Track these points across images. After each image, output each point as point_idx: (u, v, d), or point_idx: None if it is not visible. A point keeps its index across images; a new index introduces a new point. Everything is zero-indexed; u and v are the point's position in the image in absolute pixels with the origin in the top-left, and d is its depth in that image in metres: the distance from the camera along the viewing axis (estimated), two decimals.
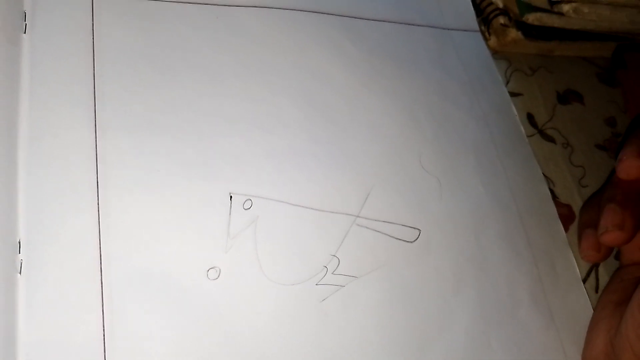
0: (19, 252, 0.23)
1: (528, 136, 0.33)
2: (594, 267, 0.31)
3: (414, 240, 0.28)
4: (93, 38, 0.27)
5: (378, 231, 0.27)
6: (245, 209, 0.26)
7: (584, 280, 0.30)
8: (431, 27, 0.35)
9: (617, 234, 0.27)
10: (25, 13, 0.26)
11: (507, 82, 0.35)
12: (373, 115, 0.30)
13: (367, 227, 0.27)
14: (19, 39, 0.26)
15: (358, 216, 0.27)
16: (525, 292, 0.28)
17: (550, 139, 0.34)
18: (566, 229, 0.31)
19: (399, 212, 0.28)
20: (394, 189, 0.28)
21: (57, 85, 0.25)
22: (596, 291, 0.30)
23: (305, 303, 0.25)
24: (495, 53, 0.36)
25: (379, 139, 0.29)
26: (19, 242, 0.23)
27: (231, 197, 0.26)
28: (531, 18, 0.34)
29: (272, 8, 0.31)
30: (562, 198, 0.32)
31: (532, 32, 0.36)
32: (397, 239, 0.27)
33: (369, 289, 0.26)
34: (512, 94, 0.34)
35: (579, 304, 0.29)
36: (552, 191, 0.32)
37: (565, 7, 0.32)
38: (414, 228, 0.28)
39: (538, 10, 0.34)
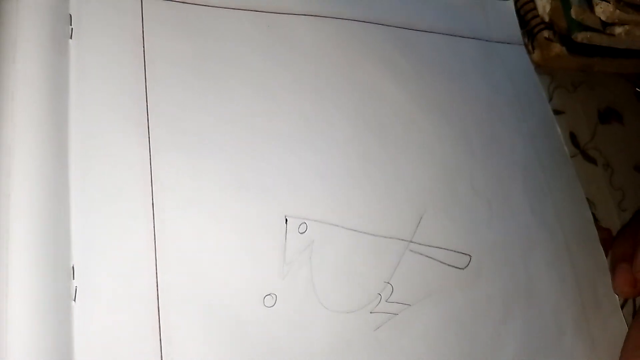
0: (73, 278, 0.22)
1: (571, 156, 0.33)
2: None
3: (465, 267, 0.27)
4: (144, 45, 0.25)
5: (430, 257, 0.27)
6: (301, 233, 0.25)
7: (622, 306, 0.30)
8: (478, 39, 0.34)
9: None
10: (70, 16, 0.25)
11: (550, 99, 0.35)
12: (425, 134, 0.29)
13: (420, 253, 0.27)
14: (65, 45, 0.24)
15: (411, 241, 0.27)
16: (570, 319, 0.29)
17: (592, 160, 0.34)
18: (606, 254, 0.31)
19: (450, 237, 0.27)
20: (446, 213, 0.28)
21: (107, 98, 0.24)
22: (633, 317, 0.31)
23: (360, 331, 0.25)
24: (538, 67, 0.35)
25: (431, 159, 0.29)
26: (73, 268, 0.22)
27: (287, 220, 0.25)
28: (580, 37, 0.33)
29: (324, 17, 0.30)
30: (603, 222, 0.32)
31: (576, 48, 0.35)
32: (448, 265, 0.27)
33: (422, 317, 0.26)
34: (555, 112, 0.34)
35: (618, 331, 0.30)
36: (593, 214, 0.32)
37: (618, 30, 0.32)
38: (465, 254, 0.27)
39: (589, 29, 0.33)
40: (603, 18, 0.31)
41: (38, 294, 0.20)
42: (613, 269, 0.29)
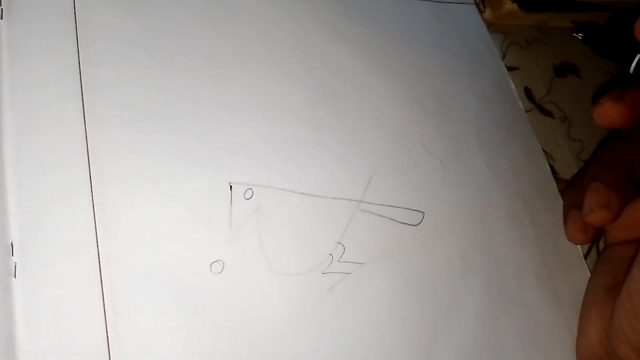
0: (12, 255, 0.21)
1: (526, 111, 0.33)
2: (595, 242, 0.31)
3: (418, 224, 0.27)
4: (76, 21, 0.25)
5: (382, 215, 0.27)
6: (247, 199, 0.25)
7: (586, 256, 0.30)
8: (428, 0, 0.34)
9: (603, 213, 0.26)
10: None
11: (504, 56, 0.34)
12: (375, 97, 0.29)
13: (370, 212, 0.26)
14: None
15: (361, 201, 0.26)
16: (531, 273, 0.28)
17: (549, 114, 0.33)
18: None
19: (402, 196, 0.27)
20: (397, 172, 0.28)
21: (40, 75, 0.24)
22: None
23: (313, 293, 0.25)
24: (491, 26, 0.35)
25: (381, 121, 0.28)
26: (12, 244, 0.22)
27: (231, 187, 0.25)
28: None
29: None
30: (562, 174, 0.32)
31: (527, 3, 0.35)
32: (401, 222, 0.27)
33: (376, 275, 0.26)
34: (509, 68, 0.34)
35: (582, 282, 0.29)
36: (551, 167, 0.32)
37: None
38: (418, 211, 0.27)
39: None
40: None
41: None
42: (565, 217, 0.29)
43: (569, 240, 0.29)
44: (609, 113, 0.26)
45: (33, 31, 0.24)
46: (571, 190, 0.30)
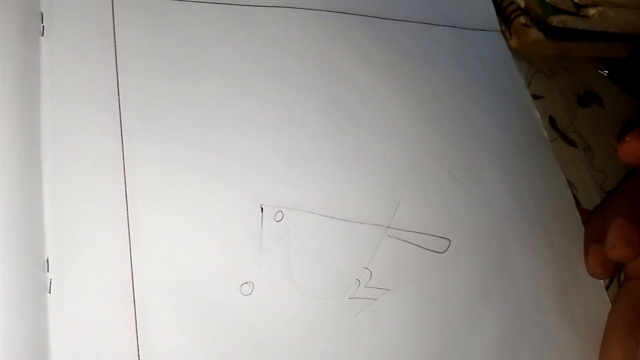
0: (47, 271, 0.22)
1: (550, 140, 0.33)
2: (617, 274, 0.31)
3: (444, 251, 0.27)
4: (115, 39, 0.25)
5: (409, 242, 0.27)
6: (277, 221, 0.25)
7: (607, 288, 0.30)
8: (452, 27, 0.34)
9: (625, 250, 0.26)
10: (42, 14, 0.25)
11: (529, 84, 0.35)
12: (398, 120, 0.29)
13: (398, 238, 0.27)
14: (37, 42, 0.24)
15: (389, 227, 0.27)
16: (551, 300, 0.29)
17: (572, 143, 0.34)
18: None
19: (428, 222, 0.27)
20: (423, 197, 0.28)
21: (80, 91, 0.24)
22: None
23: (339, 317, 0.25)
24: (516, 54, 0.35)
25: (405, 144, 0.29)
26: (47, 260, 0.22)
27: (262, 208, 0.25)
28: (555, 20, 0.33)
29: (293, 8, 0.30)
30: (585, 204, 0.32)
31: (553, 33, 0.36)
32: (427, 249, 0.27)
33: (402, 302, 0.26)
34: (534, 97, 0.34)
35: (602, 312, 0.29)
36: (574, 196, 0.32)
37: (592, 11, 0.32)
38: (444, 238, 0.27)
39: (563, 12, 0.33)
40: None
41: (12, 286, 0.20)
42: (586, 251, 0.29)
43: (589, 274, 0.29)
44: (635, 151, 0.26)
45: (73, 48, 0.25)
46: (593, 223, 0.30)
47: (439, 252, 0.27)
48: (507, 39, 0.36)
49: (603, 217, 0.28)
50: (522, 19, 0.35)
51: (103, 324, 0.22)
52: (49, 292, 0.21)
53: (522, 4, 0.35)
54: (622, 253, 0.26)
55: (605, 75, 0.31)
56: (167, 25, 0.27)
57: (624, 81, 0.30)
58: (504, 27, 0.36)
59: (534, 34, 0.35)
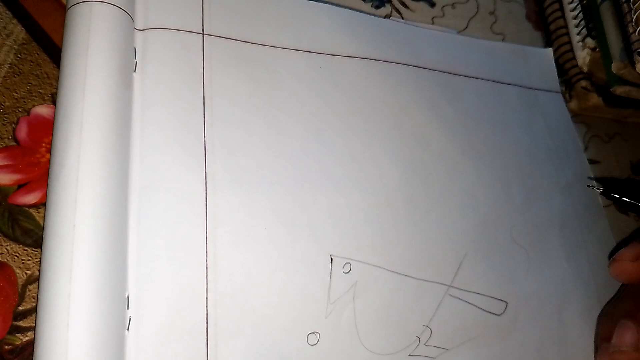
0: (127, 308, 0.22)
1: (604, 206, 0.33)
2: None
3: (502, 314, 0.28)
4: (203, 81, 0.26)
5: (468, 302, 0.27)
6: (345, 273, 0.26)
7: None
8: (518, 85, 0.35)
9: (632, 355, 0.25)
10: (135, 49, 0.26)
11: (586, 148, 0.35)
12: (467, 180, 0.30)
13: (458, 298, 0.27)
14: (130, 78, 0.25)
15: (451, 286, 0.27)
16: None
17: (624, 211, 0.34)
18: None
19: (488, 284, 0.28)
20: (485, 259, 0.28)
21: (168, 132, 0.25)
22: None
23: None
24: (575, 116, 0.36)
25: (472, 205, 0.29)
26: (127, 298, 0.22)
27: (332, 259, 0.26)
28: (620, 90, 0.34)
29: (373, 60, 0.30)
30: None
31: (612, 99, 0.36)
32: (486, 311, 0.27)
33: None
34: (590, 161, 0.35)
35: None
36: None
37: None
38: (502, 301, 0.28)
39: (628, 84, 0.34)
40: None
41: (96, 323, 0.21)
42: (595, 348, 0.28)
43: None
44: (626, 271, 0.26)
45: (164, 87, 0.25)
46: (604, 319, 0.29)
47: (496, 315, 0.28)
48: (567, 101, 0.36)
49: (611, 316, 0.28)
50: (584, 83, 0.36)
51: None
52: (127, 329, 0.22)
53: (585, 69, 0.36)
54: (627, 357, 0.25)
55: (599, 192, 0.31)
56: (253, 71, 0.27)
57: (619, 197, 0.30)
58: (565, 89, 0.36)
59: (594, 98, 0.36)
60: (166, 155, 0.24)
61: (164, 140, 0.25)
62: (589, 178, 0.32)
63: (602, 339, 0.28)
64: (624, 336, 0.26)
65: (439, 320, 0.26)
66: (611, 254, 0.30)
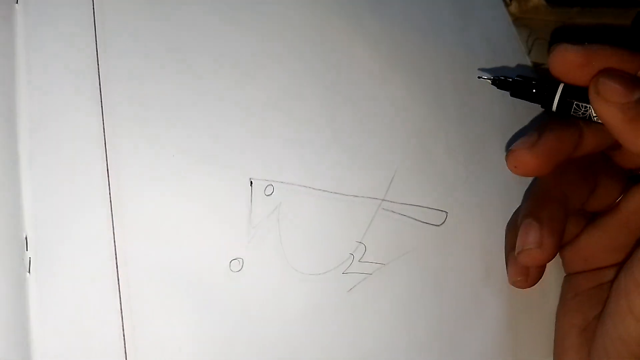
0: (27, 250, 0.21)
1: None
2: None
3: (441, 224, 0.26)
4: (93, 10, 0.24)
5: (404, 215, 0.26)
6: (267, 195, 0.24)
7: None
8: None
9: (535, 253, 0.23)
10: None
11: (529, 52, 0.33)
12: (397, 93, 0.28)
13: (392, 211, 0.26)
14: (11, 10, 0.23)
15: (383, 200, 0.26)
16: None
17: None
18: None
19: (425, 196, 0.26)
20: (421, 172, 0.27)
21: (57, 65, 0.23)
22: None
23: (333, 293, 0.24)
24: (516, 20, 0.34)
25: (403, 118, 0.27)
26: (26, 239, 0.21)
27: (251, 182, 0.24)
28: None
29: None
30: None
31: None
32: (423, 222, 0.26)
33: (397, 277, 0.25)
34: (535, 65, 0.33)
35: None
36: None
37: None
38: (441, 211, 0.26)
39: None
40: None
41: None
42: (506, 261, 0.27)
43: (511, 284, 0.26)
44: (524, 163, 0.24)
45: (50, 17, 0.24)
46: (510, 230, 0.27)
47: (436, 225, 0.26)
48: (507, 4, 0.34)
49: (516, 222, 0.26)
50: None
51: (86, 304, 0.21)
52: (29, 272, 0.21)
53: None
54: (532, 257, 0.24)
55: (490, 82, 0.26)
56: (160, 3, 0.25)
57: (513, 86, 0.26)
58: None
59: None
60: (56, 88, 0.23)
61: (53, 72, 0.23)
62: (479, 70, 0.30)
63: (510, 249, 0.26)
64: (527, 235, 0.24)
65: (372, 235, 0.25)
66: (507, 146, 0.28)
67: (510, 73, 0.28)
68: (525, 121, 0.31)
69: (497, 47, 0.32)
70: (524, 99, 0.25)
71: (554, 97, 0.24)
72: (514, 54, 0.33)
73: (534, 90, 0.25)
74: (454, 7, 0.32)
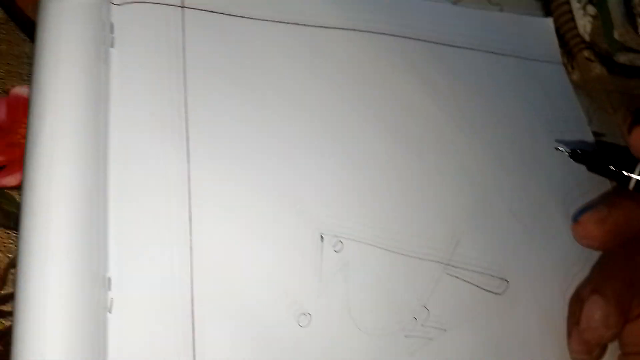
0: (109, 290, 0.21)
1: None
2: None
3: (502, 292, 0.27)
4: (184, 55, 0.25)
5: (467, 281, 0.26)
6: (336, 252, 0.25)
7: None
8: (516, 56, 0.33)
9: (602, 330, 0.23)
10: (112, 25, 0.25)
11: (590, 121, 0.34)
12: (462, 153, 0.28)
13: (456, 277, 0.26)
14: (106, 53, 0.24)
15: (448, 264, 0.26)
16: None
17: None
18: None
19: (487, 261, 0.27)
20: (484, 236, 0.27)
21: (148, 106, 0.24)
22: None
23: (395, 356, 0.24)
24: (577, 88, 0.35)
25: (467, 179, 0.28)
26: (109, 279, 0.21)
27: (322, 237, 0.25)
28: (622, 58, 0.33)
29: (361, 31, 0.29)
30: None
31: (616, 69, 0.35)
32: (485, 290, 0.26)
33: (458, 343, 0.25)
34: (595, 134, 0.33)
35: None
36: None
37: None
38: (502, 279, 0.27)
39: (631, 51, 0.32)
40: None
41: (75, 304, 0.20)
42: (568, 333, 0.26)
43: (572, 357, 0.26)
44: (591, 235, 0.25)
45: (143, 61, 0.24)
46: (575, 302, 0.27)
47: (497, 294, 0.26)
48: (569, 72, 0.35)
49: (581, 295, 0.26)
50: (586, 53, 0.34)
51: (161, 345, 0.21)
52: (110, 312, 0.21)
53: (587, 38, 0.34)
54: (598, 335, 0.24)
55: (567, 154, 0.28)
56: (236, 43, 0.26)
57: (590, 160, 0.27)
58: (566, 60, 0.35)
59: (597, 68, 0.34)
60: (146, 132, 0.23)
61: (144, 116, 0.24)
62: (557, 141, 0.30)
63: (573, 323, 0.26)
64: (592, 313, 0.24)
65: (436, 300, 0.25)
66: (575, 216, 0.28)
67: (585, 146, 0.29)
68: (586, 186, 0.31)
69: (558, 113, 0.33)
70: (600, 175, 0.26)
71: (632, 176, 0.25)
72: (575, 121, 0.33)
73: (611, 167, 0.25)
74: (518, 70, 0.33)
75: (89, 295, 0.21)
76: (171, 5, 0.25)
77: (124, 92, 0.24)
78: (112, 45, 0.24)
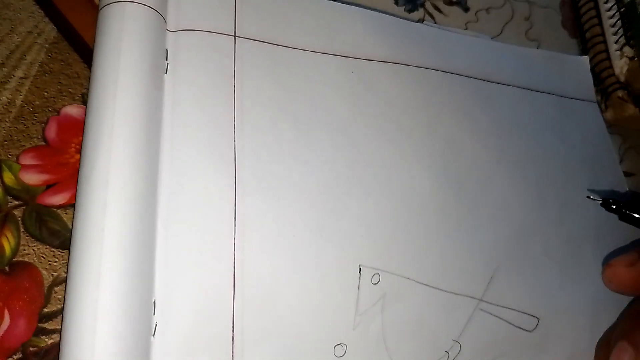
0: (154, 314, 0.22)
1: None
2: None
3: (533, 330, 0.27)
4: (234, 84, 0.26)
5: (499, 317, 0.26)
6: (374, 284, 0.25)
7: None
8: (553, 94, 0.34)
9: None
10: (167, 51, 0.25)
11: (621, 160, 0.34)
12: (501, 190, 0.29)
13: (489, 313, 0.26)
14: (161, 80, 0.25)
15: (481, 300, 0.26)
16: None
17: None
18: None
19: (520, 299, 0.27)
20: (518, 273, 0.27)
21: (198, 135, 0.24)
22: None
23: None
24: (610, 126, 0.35)
25: (506, 216, 0.28)
26: (154, 303, 0.22)
27: (360, 269, 0.25)
28: None
29: (406, 65, 0.30)
30: None
31: None
32: (517, 327, 0.27)
33: None
34: (626, 174, 0.33)
35: None
36: None
37: None
38: (534, 317, 0.27)
39: None
40: None
41: (122, 328, 0.20)
42: None
43: None
44: (619, 277, 0.26)
45: (195, 89, 0.25)
46: (602, 346, 0.28)
47: (527, 331, 0.27)
48: (602, 111, 0.35)
49: (610, 340, 0.26)
50: (620, 93, 0.35)
51: None
52: (153, 335, 0.22)
53: (623, 79, 0.35)
54: None
55: (599, 203, 0.29)
56: (284, 74, 0.27)
57: (621, 210, 0.28)
58: (600, 99, 0.35)
59: (631, 109, 0.35)
60: (196, 159, 0.24)
61: (194, 143, 0.24)
62: (589, 190, 0.31)
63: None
64: (621, 359, 0.24)
65: (469, 335, 0.26)
66: (605, 260, 0.29)
67: (617, 195, 0.29)
68: (618, 228, 0.31)
69: (592, 152, 0.33)
70: (631, 224, 0.26)
71: None
72: (607, 160, 0.33)
73: None
74: (555, 107, 0.33)
75: (137, 319, 0.21)
76: (224, 34, 0.26)
77: (176, 121, 0.24)
78: (165, 72, 0.25)
